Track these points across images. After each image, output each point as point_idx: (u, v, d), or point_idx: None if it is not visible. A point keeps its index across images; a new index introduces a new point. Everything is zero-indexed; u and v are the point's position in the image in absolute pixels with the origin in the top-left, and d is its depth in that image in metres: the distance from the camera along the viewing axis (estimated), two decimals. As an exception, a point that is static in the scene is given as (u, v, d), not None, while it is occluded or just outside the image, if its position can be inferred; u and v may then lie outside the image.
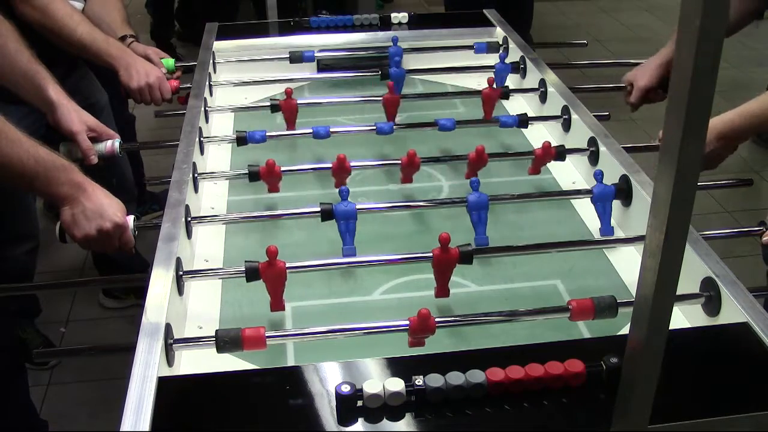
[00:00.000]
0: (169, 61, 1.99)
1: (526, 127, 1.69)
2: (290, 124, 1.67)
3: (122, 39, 1.96)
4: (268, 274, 1.12)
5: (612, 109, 1.84)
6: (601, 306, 1.05)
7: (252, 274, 1.12)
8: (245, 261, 1.13)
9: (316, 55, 2.02)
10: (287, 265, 1.13)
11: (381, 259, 1.22)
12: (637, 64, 1.90)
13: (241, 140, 1.58)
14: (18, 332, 2.16)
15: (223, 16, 2.67)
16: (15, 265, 1.99)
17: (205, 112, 1.72)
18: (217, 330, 1.02)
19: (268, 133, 1.60)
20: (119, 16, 2.00)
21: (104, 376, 2.19)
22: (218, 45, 2.08)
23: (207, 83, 1.83)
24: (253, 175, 1.44)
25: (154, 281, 1.09)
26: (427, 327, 1.01)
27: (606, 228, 1.37)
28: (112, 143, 1.58)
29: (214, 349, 1.02)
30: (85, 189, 1.29)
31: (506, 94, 1.79)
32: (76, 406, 2.17)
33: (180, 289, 1.15)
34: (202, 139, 1.59)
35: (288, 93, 1.65)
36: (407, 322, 1.01)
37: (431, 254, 1.14)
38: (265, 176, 1.44)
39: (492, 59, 2.08)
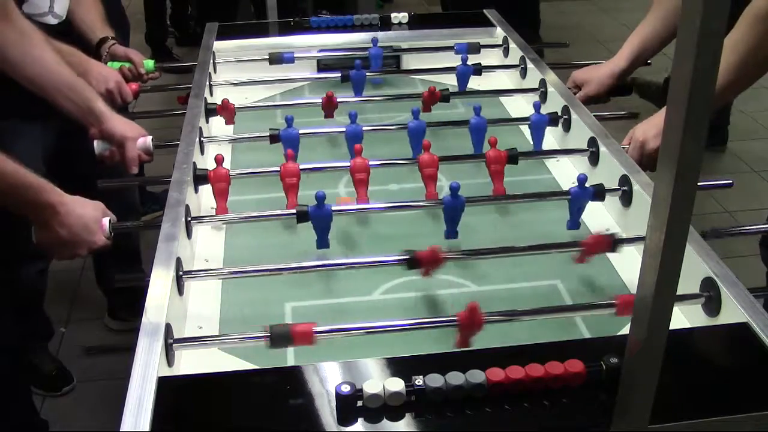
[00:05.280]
0: (149, 62, 1.99)
1: (557, 125, 1.68)
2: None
3: (103, 40, 1.93)
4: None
5: (612, 109, 1.84)
6: None
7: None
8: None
9: (314, 54, 2.02)
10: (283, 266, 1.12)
11: (380, 260, 1.22)
12: None
13: (274, 138, 1.57)
14: (29, 357, 2.15)
15: (223, 17, 2.67)
16: (27, 284, 1.98)
17: (205, 112, 1.72)
18: (271, 326, 1.01)
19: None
20: (98, 17, 1.97)
21: (104, 376, 2.20)
22: (218, 45, 2.08)
23: (207, 83, 1.83)
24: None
25: (154, 281, 1.09)
26: (475, 322, 1.02)
27: (574, 223, 1.37)
28: (144, 140, 1.59)
29: (214, 349, 1.02)
30: (58, 211, 1.29)
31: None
32: (76, 406, 2.17)
33: (180, 289, 1.15)
34: (202, 139, 1.59)
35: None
36: (456, 318, 1.02)
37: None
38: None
39: (493, 59, 2.08)
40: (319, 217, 1.28)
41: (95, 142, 1.58)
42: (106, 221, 1.33)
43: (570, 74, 1.92)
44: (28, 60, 1.48)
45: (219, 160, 1.42)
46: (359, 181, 1.42)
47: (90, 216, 1.33)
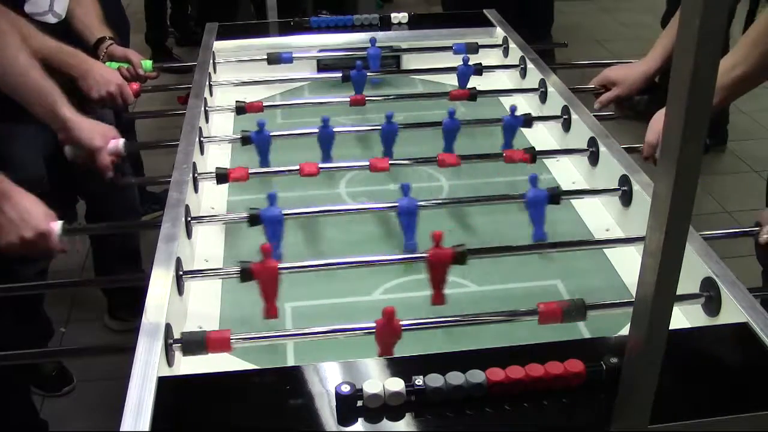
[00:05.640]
0: (147, 62, 1.98)
1: (531, 127, 1.69)
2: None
3: (101, 41, 1.92)
4: (263, 275, 1.10)
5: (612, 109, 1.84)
6: (570, 309, 1.05)
7: (246, 274, 1.11)
8: (239, 261, 1.12)
9: (315, 54, 2.02)
10: (282, 265, 1.12)
11: (380, 260, 1.22)
12: None
13: (246, 140, 1.57)
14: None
15: (223, 17, 2.67)
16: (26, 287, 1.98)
17: (205, 112, 1.72)
18: (182, 332, 1.02)
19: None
20: (96, 18, 1.96)
21: (104, 376, 2.19)
22: (218, 45, 2.08)
23: (207, 83, 1.83)
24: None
25: (154, 281, 1.09)
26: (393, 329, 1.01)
27: (539, 232, 1.35)
28: (116, 143, 1.57)
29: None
30: (10, 196, 1.27)
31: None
32: (76, 406, 2.17)
33: (180, 289, 1.15)
34: (202, 139, 1.59)
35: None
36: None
37: (426, 254, 1.14)
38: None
39: (493, 59, 2.09)
40: (270, 220, 1.27)
41: (65, 148, 1.55)
42: (57, 224, 1.29)
43: (569, 74, 1.92)
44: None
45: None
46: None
47: (39, 207, 1.30)
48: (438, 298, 1.15)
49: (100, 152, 1.53)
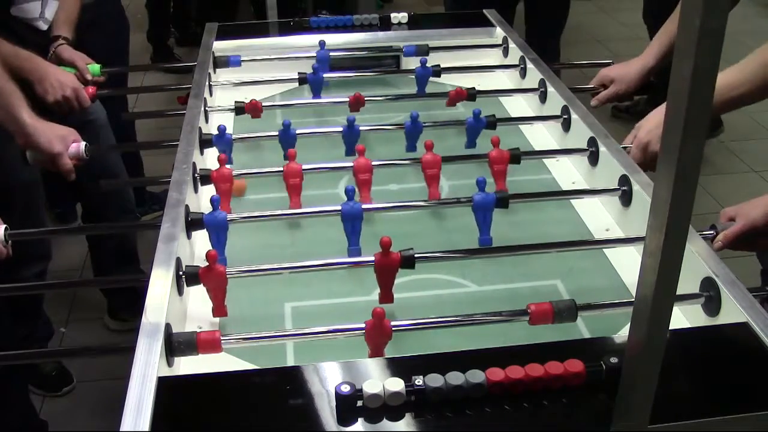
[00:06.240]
0: (95, 67, 1.95)
1: (494, 128, 1.66)
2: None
3: (54, 39, 1.90)
4: (208, 278, 1.12)
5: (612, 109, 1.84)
6: (560, 309, 1.05)
7: (191, 278, 1.12)
8: (186, 266, 1.14)
9: (315, 54, 2.02)
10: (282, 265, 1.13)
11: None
12: None
13: (206, 143, 1.58)
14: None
15: (222, 17, 2.67)
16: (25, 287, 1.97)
17: (205, 112, 1.72)
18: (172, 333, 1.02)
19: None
20: (63, 16, 1.94)
21: (104, 376, 2.20)
22: (218, 45, 2.08)
23: (207, 83, 1.83)
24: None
25: (154, 281, 1.09)
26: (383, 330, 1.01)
27: (485, 238, 1.33)
28: (77, 146, 1.55)
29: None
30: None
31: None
32: (76, 406, 2.17)
33: (180, 289, 1.15)
34: (202, 138, 1.59)
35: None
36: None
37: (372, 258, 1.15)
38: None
39: (493, 59, 2.09)
40: (214, 225, 1.26)
41: (27, 152, 1.54)
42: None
43: (569, 74, 1.92)
44: None
45: (222, 160, 1.42)
46: (362, 181, 1.41)
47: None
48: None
49: (60, 157, 1.51)
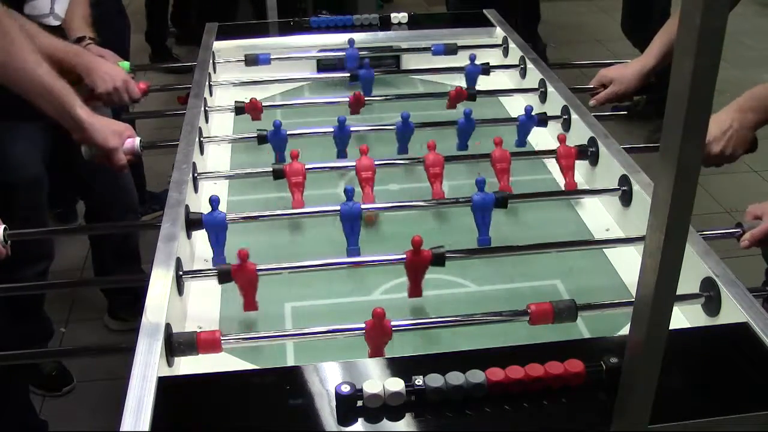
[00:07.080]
0: (125, 64, 1.95)
1: (546, 126, 1.69)
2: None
3: (80, 39, 1.89)
4: (240, 276, 1.13)
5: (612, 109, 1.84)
6: (560, 309, 1.05)
7: (224, 276, 1.14)
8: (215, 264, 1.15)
9: (314, 54, 2.02)
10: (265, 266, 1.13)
11: (381, 260, 1.22)
12: None
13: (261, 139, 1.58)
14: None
15: (222, 16, 2.66)
16: (25, 287, 1.97)
17: (205, 112, 1.72)
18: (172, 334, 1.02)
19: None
20: (80, 15, 1.93)
21: (104, 376, 2.19)
22: (218, 45, 2.08)
23: (207, 83, 1.83)
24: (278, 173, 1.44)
25: (154, 281, 1.09)
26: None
27: (484, 238, 1.32)
28: (132, 142, 1.57)
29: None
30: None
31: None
32: (76, 406, 2.17)
33: (180, 289, 1.15)
34: (202, 139, 1.59)
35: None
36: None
37: (404, 256, 1.15)
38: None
39: (493, 59, 2.09)
40: (212, 225, 1.26)
41: (82, 147, 1.55)
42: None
43: (569, 74, 1.92)
44: (9, 62, 1.43)
45: (294, 155, 1.43)
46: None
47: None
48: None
49: (116, 152, 1.53)
